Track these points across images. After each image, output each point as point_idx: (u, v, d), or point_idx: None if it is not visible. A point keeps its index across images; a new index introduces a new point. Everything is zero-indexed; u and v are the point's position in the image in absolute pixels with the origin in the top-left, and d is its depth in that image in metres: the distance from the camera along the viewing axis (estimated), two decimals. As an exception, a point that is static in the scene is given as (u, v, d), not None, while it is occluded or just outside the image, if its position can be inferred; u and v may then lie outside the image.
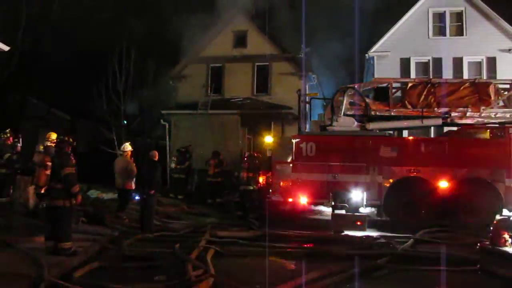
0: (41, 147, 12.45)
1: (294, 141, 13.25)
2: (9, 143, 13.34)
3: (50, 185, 8.45)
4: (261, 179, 15.03)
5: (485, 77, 21.61)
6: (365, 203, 12.58)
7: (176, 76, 24.42)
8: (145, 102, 25.32)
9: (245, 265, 8.14)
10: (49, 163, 8.80)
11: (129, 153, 13.05)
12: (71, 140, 8.87)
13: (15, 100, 23.40)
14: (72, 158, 8.46)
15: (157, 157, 12.05)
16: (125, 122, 23.68)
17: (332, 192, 12.56)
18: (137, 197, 12.87)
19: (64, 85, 25.07)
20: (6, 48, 13.41)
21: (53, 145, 12.01)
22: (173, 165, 18.34)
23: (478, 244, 9.19)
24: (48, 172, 8.69)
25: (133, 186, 12.61)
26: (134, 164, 12.77)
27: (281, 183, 13.57)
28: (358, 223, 11.58)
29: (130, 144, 13.34)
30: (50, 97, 25.32)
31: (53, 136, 12.18)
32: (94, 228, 10.63)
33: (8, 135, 13.36)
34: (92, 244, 8.80)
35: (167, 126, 23.30)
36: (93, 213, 11.64)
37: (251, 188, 14.39)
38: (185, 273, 6.83)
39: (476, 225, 11.58)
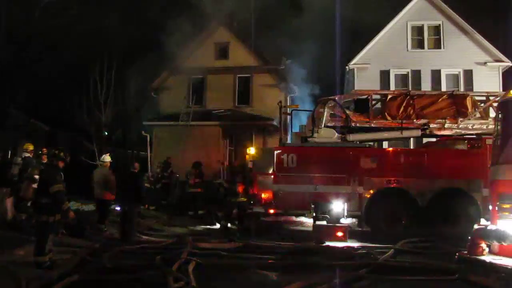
0: (19, 159, 12.33)
1: (275, 152, 13.29)
2: None
3: (36, 199, 8.32)
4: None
5: (462, 89, 22.01)
6: (346, 214, 12.66)
7: (157, 88, 24.40)
8: (126, 113, 25.20)
9: (227, 277, 8.12)
10: (37, 177, 8.68)
11: (108, 164, 13.00)
12: (61, 154, 8.76)
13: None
14: (61, 173, 8.35)
15: (137, 169, 12.08)
16: (106, 133, 23.51)
17: (313, 203, 12.61)
18: (117, 208, 12.78)
19: (44, 95, 24.84)
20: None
21: (31, 155, 11.95)
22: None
23: (457, 254, 9.30)
24: (35, 185, 8.55)
25: (112, 197, 12.51)
26: (113, 176, 12.70)
27: (263, 195, 13.61)
28: (339, 233, 11.66)
29: (109, 156, 13.30)
30: (30, 107, 25.04)
31: (31, 147, 12.08)
32: (74, 240, 10.51)
33: None
34: (72, 257, 8.71)
35: (148, 138, 23.23)
36: (73, 225, 11.49)
37: (245, 199, 14.44)
38: (166, 285, 6.80)
39: (454, 234, 11.72)
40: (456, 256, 9.24)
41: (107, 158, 13.12)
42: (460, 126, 14.09)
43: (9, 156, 13.52)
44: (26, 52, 24.12)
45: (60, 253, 8.76)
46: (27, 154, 12.01)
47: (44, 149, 12.64)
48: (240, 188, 14.57)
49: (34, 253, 7.98)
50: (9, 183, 12.12)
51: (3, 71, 23.06)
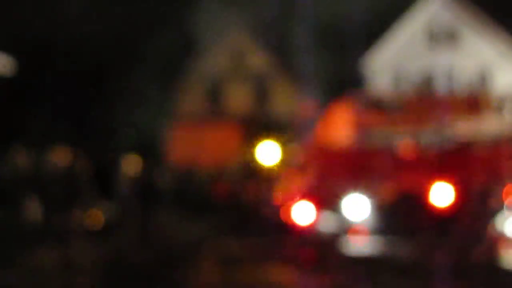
0: None
1: (293, 154, 13.38)
2: None
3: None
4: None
5: (481, 89, 21.81)
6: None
7: (176, 91, 24.58)
8: (146, 117, 25.44)
9: (246, 276, 8.21)
10: None
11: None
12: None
13: (14, 122, 23.45)
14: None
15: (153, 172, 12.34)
16: (126, 136, 23.78)
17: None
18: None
19: (63, 104, 25.16)
20: (7, 71, 13.54)
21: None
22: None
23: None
24: None
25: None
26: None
27: (280, 195, 13.69)
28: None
29: (133, 162, 13.56)
30: (50, 118, 25.39)
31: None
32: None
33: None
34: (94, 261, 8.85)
35: (167, 140, 23.44)
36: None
37: (256, 200, 14.72)
38: (187, 283, 6.92)
39: (475, 240, 11.63)
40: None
41: (130, 163, 13.40)
42: (480, 126, 14.00)
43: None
44: (45, 63, 24.51)
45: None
46: None
47: None
48: (248, 187, 14.94)
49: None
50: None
51: (22, 84, 23.50)
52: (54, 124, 25.31)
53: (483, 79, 22.93)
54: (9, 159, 13.45)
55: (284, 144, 21.31)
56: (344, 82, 25.72)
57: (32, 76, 23.87)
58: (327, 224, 13.63)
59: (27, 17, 22.80)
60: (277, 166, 14.45)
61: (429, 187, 12.49)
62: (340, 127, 14.03)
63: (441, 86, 22.64)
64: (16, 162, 13.43)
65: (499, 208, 12.05)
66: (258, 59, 23.80)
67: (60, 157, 12.33)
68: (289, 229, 13.61)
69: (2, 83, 20.05)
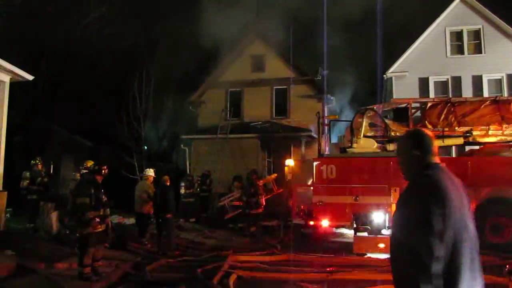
0: (77, 175, 12.69)
1: (314, 163, 13.17)
2: (39, 169, 13.62)
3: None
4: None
5: (506, 95, 21.38)
6: (387, 224, 12.39)
7: (195, 101, 24.69)
8: (165, 127, 25.60)
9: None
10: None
11: (151, 178, 13.24)
12: (96, 167, 8.98)
13: (38, 127, 23.87)
14: (90, 186, 8.51)
15: (168, 182, 12.29)
16: (146, 147, 23.92)
17: (353, 214, 12.41)
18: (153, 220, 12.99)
19: (86, 111, 25.54)
20: (30, 77, 13.71)
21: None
22: (182, 190, 18.33)
23: (507, 266, 8.94)
24: None
25: (151, 211, 12.66)
26: (153, 189, 12.87)
27: (302, 206, 13.49)
28: (381, 245, 11.40)
29: (153, 171, 13.52)
30: (72, 123, 25.79)
31: (89, 164, 12.39)
32: (117, 253, 10.67)
33: (38, 162, 13.69)
34: (114, 270, 8.84)
35: (187, 151, 23.50)
36: (115, 238, 11.70)
37: (260, 211, 14.86)
38: None
39: (503, 246, 11.29)
40: (506, 269, 8.88)
41: (149, 172, 13.38)
42: (505, 132, 13.65)
43: (44, 171, 13.94)
44: (68, 70, 24.91)
45: (103, 266, 8.91)
46: (85, 171, 12.31)
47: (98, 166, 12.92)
48: (262, 200, 14.99)
49: (78, 263, 8.26)
50: (53, 198, 12.47)
51: (45, 88, 23.89)
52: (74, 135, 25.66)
53: (511, 84, 22.44)
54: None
55: (304, 154, 21.14)
56: (367, 90, 25.55)
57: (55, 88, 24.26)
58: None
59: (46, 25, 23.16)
60: (297, 176, 14.19)
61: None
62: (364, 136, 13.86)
63: (467, 92, 22.24)
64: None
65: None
66: (278, 67, 23.71)
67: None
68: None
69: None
